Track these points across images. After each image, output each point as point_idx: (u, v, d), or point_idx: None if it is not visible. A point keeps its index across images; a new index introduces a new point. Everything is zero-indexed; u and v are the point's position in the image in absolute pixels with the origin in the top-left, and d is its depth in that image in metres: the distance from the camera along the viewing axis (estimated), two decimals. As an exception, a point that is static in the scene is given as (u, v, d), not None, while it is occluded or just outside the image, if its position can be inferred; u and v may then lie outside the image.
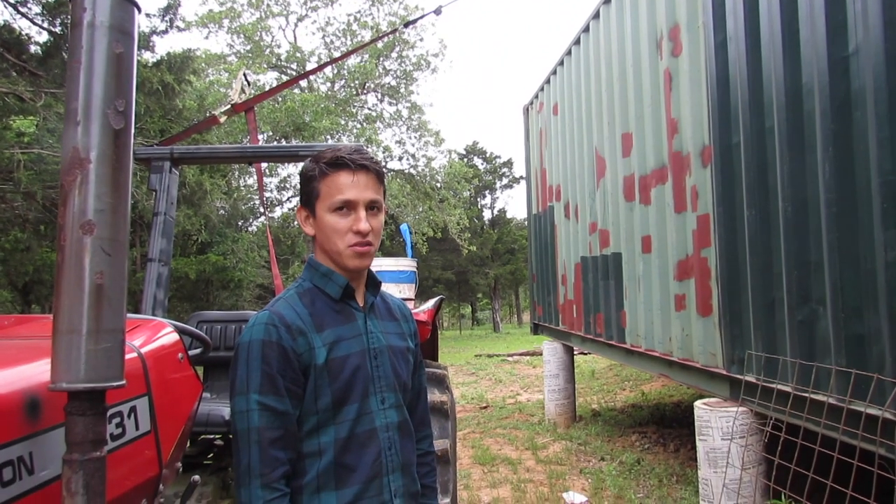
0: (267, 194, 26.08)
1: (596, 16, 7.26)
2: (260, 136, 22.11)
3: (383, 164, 26.28)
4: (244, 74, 4.39)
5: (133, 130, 1.37)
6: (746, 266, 4.32)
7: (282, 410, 1.50)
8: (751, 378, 4.26)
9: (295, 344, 1.53)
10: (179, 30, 13.48)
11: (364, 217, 1.59)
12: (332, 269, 1.65)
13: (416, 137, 27.49)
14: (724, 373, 4.58)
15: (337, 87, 26.49)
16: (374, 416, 1.61)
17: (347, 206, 1.59)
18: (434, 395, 3.10)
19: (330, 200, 1.59)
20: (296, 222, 24.89)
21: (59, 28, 10.31)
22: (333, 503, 1.54)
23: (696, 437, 4.59)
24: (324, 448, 1.55)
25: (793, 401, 3.84)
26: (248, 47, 25.68)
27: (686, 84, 5.10)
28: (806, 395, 3.70)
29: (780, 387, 3.96)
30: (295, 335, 1.54)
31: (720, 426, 4.36)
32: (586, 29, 7.61)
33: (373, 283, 1.76)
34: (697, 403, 4.63)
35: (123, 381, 1.29)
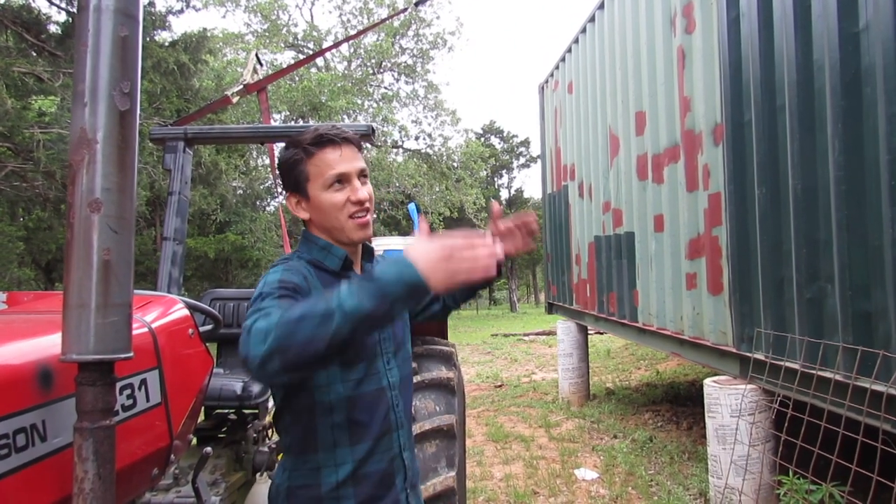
0: (283, 174, 26.13)
1: (610, -8, 7.21)
2: (276, 116, 22.18)
3: (399, 143, 26.30)
4: (256, 54, 4.43)
5: (138, 111, 1.41)
6: (756, 244, 4.32)
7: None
8: (760, 356, 4.27)
9: (308, 288, 1.55)
10: (196, 9, 13.51)
11: (359, 186, 1.62)
12: (330, 243, 1.67)
13: (432, 117, 27.43)
14: (734, 351, 4.59)
15: (353, 66, 26.45)
16: (381, 377, 1.65)
17: (342, 180, 1.61)
18: (441, 372, 3.15)
19: (323, 178, 1.60)
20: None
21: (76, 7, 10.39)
22: (348, 457, 1.58)
23: (706, 415, 4.62)
24: (335, 405, 1.57)
25: (800, 378, 3.86)
26: (266, 26, 25.66)
27: (699, 61, 5.07)
28: (813, 372, 3.72)
29: (788, 364, 3.97)
30: (309, 284, 1.57)
31: (729, 403, 4.39)
32: (601, 6, 7.54)
33: (367, 251, 1.79)
34: (707, 381, 4.65)
35: (131, 354, 1.34)
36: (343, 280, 1.54)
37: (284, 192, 1.73)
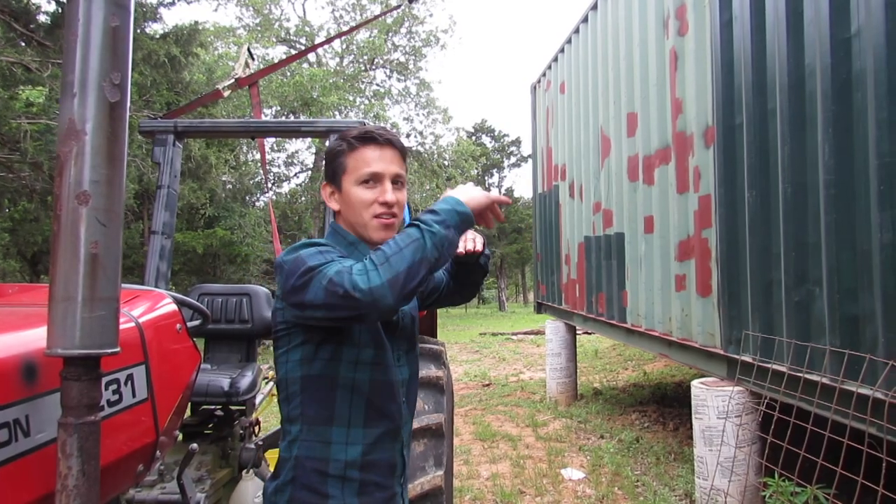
0: (274, 170, 26.10)
1: (604, -7, 7.21)
2: (268, 111, 22.08)
3: (391, 140, 26.22)
4: (248, 49, 4.39)
5: (129, 103, 1.40)
6: (746, 247, 4.34)
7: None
8: (747, 358, 4.29)
9: None
10: (187, 2, 13.43)
11: (390, 189, 1.64)
12: (358, 240, 1.69)
13: (424, 114, 27.41)
14: (722, 353, 4.61)
15: (346, 62, 26.36)
16: (391, 370, 1.68)
17: (374, 179, 1.63)
18: (430, 371, 3.14)
19: (357, 173, 1.64)
20: (303, 198, 24.93)
21: (67, -1, 10.30)
22: (360, 439, 1.62)
23: (693, 416, 4.63)
24: (358, 384, 1.61)
25: (787, 380, 3.87)
26: (257, 20, 25.53)
27: (691, 64, 5.08)
28: (800, 375, 3.73)
29: (775, 367, 3.99)
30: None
31: (716, 405, 4.41)
32: (594, 7, 7.55)
33: None
34: (694, 382, 4.67)
35: (118, 348, 1.32)
36: None
37: (322, 181, 1.78)
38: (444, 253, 1.46)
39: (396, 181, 1.67)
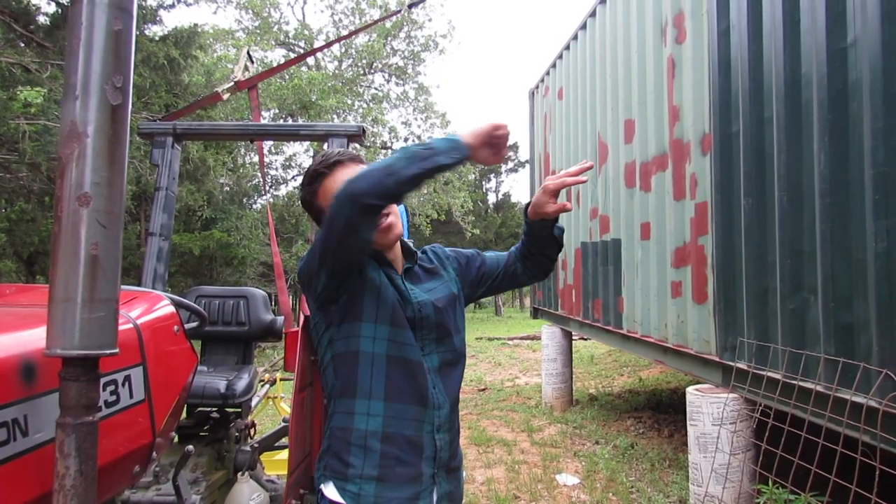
0: (272, 172, 26.09)
1: (602, 1, 7.24)
2: (266, 114, 22.09)
3: (389, 144, 26.28)
4: (247, 52, 4.41)
5: (130, 106, 1.41)
6: (742, 254, 4.36)
7: None
8: (742, 365, 4.30)
9: None
10: (187, 4, 13.45)
11: None
12: None
13: (422, 119, 27.41)
14: (717, 359, 4.62)
15: (344, 65, 26.39)
16: (416, 351, 1.78)
17: None
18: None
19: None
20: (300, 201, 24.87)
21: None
22: (381, 411, 1.73)
23: (687, 423, 4.64)
24: (376, 358, 1.74)
25: (782, 388, 3.89)
26: (257, 23, 25.55)
27: (688, 71, 5.10)
28: (795, 382, 3.75)
29: (770, 374, 4.00)
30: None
31: (711, 412, 4.42)
32: (593, 14, 7.58)
33: (407, 252, 1.96)
34: (689, 389, 4.68)
35: (116, 349, 1.33)
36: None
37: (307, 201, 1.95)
38: (424, 167, 1.54)
39: None
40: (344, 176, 1.70)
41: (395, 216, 1.81)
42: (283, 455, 4.51)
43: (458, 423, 1.92)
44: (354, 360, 1.75)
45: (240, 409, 3.58)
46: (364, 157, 1.85)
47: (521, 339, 19.40)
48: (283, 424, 3.91)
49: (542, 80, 10.05)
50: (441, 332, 1.86)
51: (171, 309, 2.13)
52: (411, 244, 1.99)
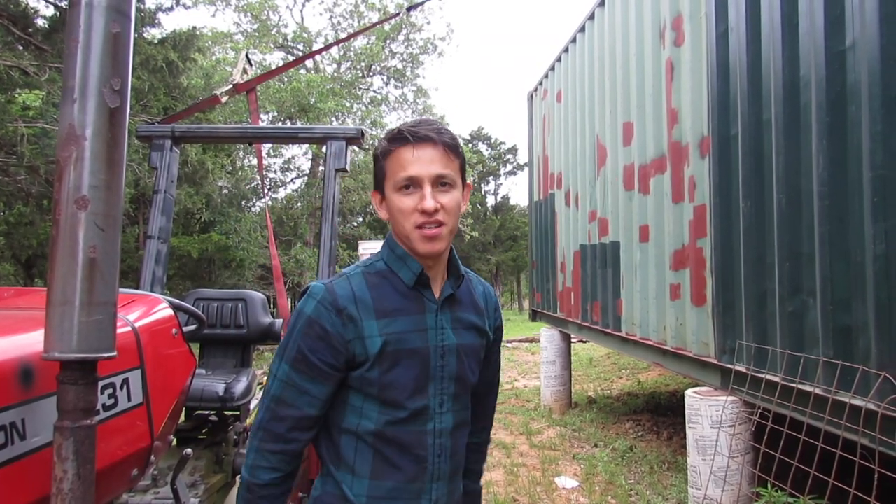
0: (271, 175, 26.10)
1: (601, 4, 7.25)
2: (265, 116, 22.09)
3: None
4: (246, 54, 4.41)
5: (128, 109, 1.40)
6: (740, 257, 4.36)
7: (304, 390, 1.45)
8: (741, 368, 4.30)
9: (343, 330, 1.44)
10: (186, 7, 13.45)
11: (430, 194, 1.43)
12: (407, 253, 1.51)
13: (421, 121, 27.39)
14: (716, 362, 4.62)
15: (343, 68, 26.41)
16: (428, 419, 1.51)
17: (412, 184, 1.44)
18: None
19: (394, 179, 1.46)
20: (299, 203, 24.91)
21: (66, 2, 10.32)
22: (364, 490, 1.47)
23: (686, 425, 4.64)
24: (362, 433, 1.48)
25: (780, 391, 3.89)
26: (255, 26, 25.57)
27: (687, 74, 5.11)
28: (793, 385, 3.75)
29: (768, 377, 4.00)
30: (345, 320, 1.44)
31: (710, 414, 4.41)
32: (591, 17, 7.59)
33: (454, 272, 1.59)
34: (688, 392, 4.68)
35: (114, 353, 1.33)
36: (418, 297, 1.52)
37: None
38: None
39: (441, 182, 1.45)
40: (425, 155, 1.44)
41: (450, 215, 1.47)
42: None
43: (460, 491, 1.65)
44: (338, 429, 1.52)
45: (238, 413, 3.58)
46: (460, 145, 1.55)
47: (520, 341, 19.38)
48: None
49: (541, 83, 10.06)
50: (461, 385, 1.57)
51: (170, 312, 2.12)
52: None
